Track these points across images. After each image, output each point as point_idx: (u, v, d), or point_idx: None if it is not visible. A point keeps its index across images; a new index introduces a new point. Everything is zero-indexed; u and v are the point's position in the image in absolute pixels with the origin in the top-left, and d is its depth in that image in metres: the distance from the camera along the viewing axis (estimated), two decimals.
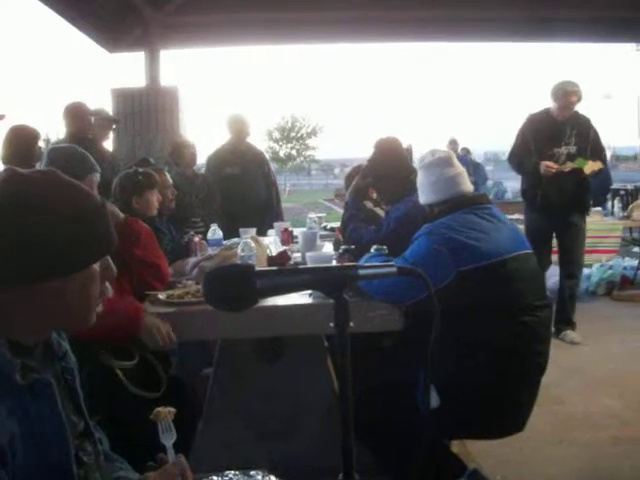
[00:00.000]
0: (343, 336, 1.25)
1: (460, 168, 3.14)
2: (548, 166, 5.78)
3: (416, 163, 5.08)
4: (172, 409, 1.84)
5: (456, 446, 3.47)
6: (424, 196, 3.15)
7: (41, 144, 5.67)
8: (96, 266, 1.47)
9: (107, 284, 1.53)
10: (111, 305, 2.74)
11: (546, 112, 6.09)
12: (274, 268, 1.36)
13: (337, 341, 1.26)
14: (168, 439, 1.77)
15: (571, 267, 6.24)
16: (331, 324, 1.27)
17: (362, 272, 1.30)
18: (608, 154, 10.75)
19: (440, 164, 3.10)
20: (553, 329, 5.73)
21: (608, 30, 8.70)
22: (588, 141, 5.96)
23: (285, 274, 1.31)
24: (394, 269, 1.36)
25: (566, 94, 5.92)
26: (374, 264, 1.81)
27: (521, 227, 5.23)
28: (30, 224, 1.35)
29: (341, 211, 4.67)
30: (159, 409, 1.83)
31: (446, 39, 9.62)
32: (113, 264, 1.54)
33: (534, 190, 6.07)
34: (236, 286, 1.24)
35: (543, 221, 6.08)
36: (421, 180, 3.17)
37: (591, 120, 6.08)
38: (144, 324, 2.82)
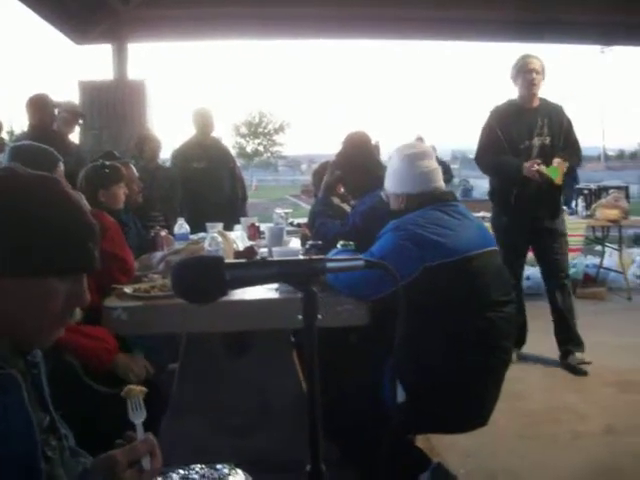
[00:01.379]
0: (311, 329, 1.26)
1: (436, 164, 3.16)
2: (532, 169, 5.13)
3: (384, 159, 5.10)
4: (143, 388, 1.83)
5: (420, 440, 3.50)
6: (397, 185, 3.10)
7: (4, 135, 5.62)
8: (57, 284, 1.42)
9: (77, 311, 1.48)
10: (82, 343, 2.80)
11: (511, 102, 5.47)
12: (243, 260, 1.36)
13: (305, 334, 1.27)
14: (138, 417, 1.75)
15: (560, 276, 5.59)
16: (299, 316, 1.28)
17: (330, 265, 1.31)
18: None
19: (421, 157, 3.10)
20: (559, 352, 5.51)
21: (573, 32, 8.78)
22: (561, 131, 5.35)
23: (254, 266, 1.32)
24: (361, 262, 1.37)
25: (527, 69, 5.27)
26: (342, 257, 1.82)
27: (487, 225, 4.88)
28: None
29: (307, 207, 4.67)
30: (131, 386, 1.81)
31: (412, 37, 9.64)
32: (88, 293, 1.50)
33: (508, 190, 5.37)
34: (205, 277, 1.24)
35: (517, 226, 5.41)
36: (398, 169, 3.12)
37: (563, 108, 5.46)
38: (116, 365, 2.91)
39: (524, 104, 5.37)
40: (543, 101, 5.41)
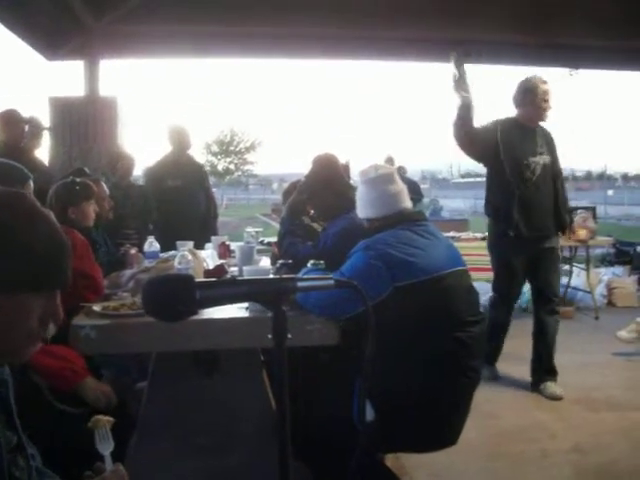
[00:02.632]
0: (281, 348, 1.26)
1: (401, 185, 3.19)
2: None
3: (354, 179, 5.10)
4: (110, 418, 1.82)
5: (390, 459, 3.51)
6: (363, 210, 3.18)
7: None
8: (32, 300, 1.40)
9: (51, 326, 1.46)
10: (47, 363, 2.77)
11: (514, 120, 5.45)
12: (214, 279, 1.36)
13: (275, 353, 1.27)
14: (106, 448, 1.74)
15: (554, 301, 5.54)
16: (269, 336, 1.28)
17: (300, 284, 1.32)
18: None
19: (382, 181, 3.13)
20: (530, 379, 5.49)
21: (537, 55, 8.89)
22: (555, 153, 5.48)
23: (225, 285, 1.32)
24: (331, 282, 1.37)
25: (543, 91, 5.33)
26: (312, 276, 1.82)
27: (457, 245, 4.77)
28: None
29: (278, 226, 4.67)
30: (98, 417, 1.81)
31: (381, 58, 9.69)
32: (62, 310, 1.49)
33: (511, 200, 5.24)
34: (175, 296, 1.24)
35: (523, 244, 5.31)
36: (361, 195, 3.20)
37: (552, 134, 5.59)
38: (83, 389, 2.88)
39: (527, 123, 5.41)
40: (539, 124, 5.48)
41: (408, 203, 3.17)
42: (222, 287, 1.31)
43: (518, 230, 5.24)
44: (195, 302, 1.24)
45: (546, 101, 5.34)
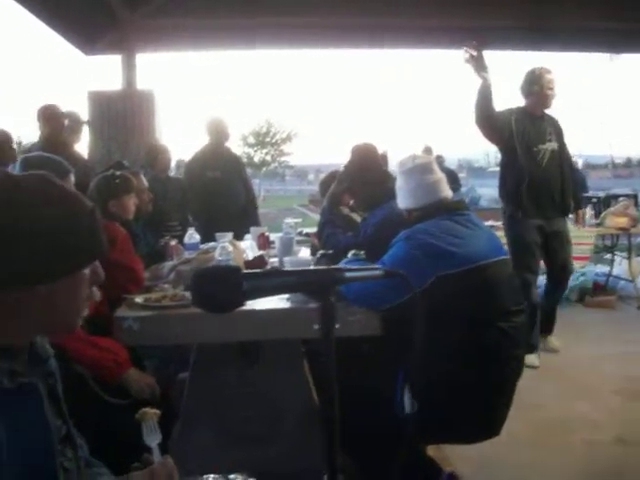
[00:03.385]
0: (329, 339, 1.25)
1: (440, 174, 3.16)
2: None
3: (392, 169, 5.12)
4: (157, 410, 1.83)
5: (432, 450, 3.48)
6: (403, 201, 3.17)
7: (14, 146, 5.62)
8: (86, 271, 1.46)
9: (94, 288, 1.53)
10: (91, 354, 2.80)
11: (523, 109, 5.75)
12: (260, 270, 1.36)
13: (323, 344, 1.26)
14: (153, 440, 1.75)
15: (563, 277, 5.97)
16: (316, 326, 1.27)
17: (349, 275, 1.31)
18: (580, 162, 10.89)
19: (420, 170, 3.11)
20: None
21: (583, 40, 8.77)
22: (562, 139, 5.82)
23: (272, 276, 1.31)
24: (380, 272, 1.36)
25: (547, 80, 5.66)
26: (360, 267, 1.81)
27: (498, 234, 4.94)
28: (19, 229, 1.34)
29: (316, 217, 4.68)
30: (145, 409, 1.82)
31: (418, 46, 9.64)
32: (101, 269, 1.53)
33: (521, 184, 5.58)
34: (223, 287, 1.24)
35: (535, 224, 5.66)
36: (400, 185, 3.18)
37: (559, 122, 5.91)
38: (127, 380, 2.89)
39: (535, 112, 5.71)
40: (546, 113, 5.80)
41: (448, 192, 3.14)
42: (270, 278, 1.30)
43: (526, 212, 5.62)
44: (242, 293, 1.24)
45: (551, 89, 5.67)
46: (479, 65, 5.32)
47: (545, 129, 5.68)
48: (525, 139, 5.58)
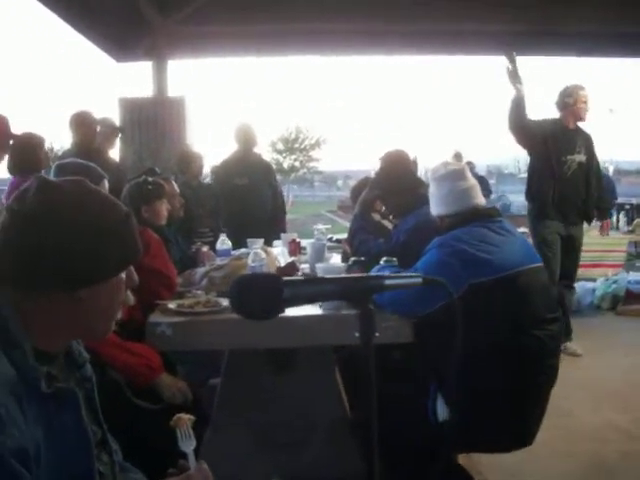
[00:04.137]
0: (368, 346, 1.25)
1: (472, 181, 3.14)
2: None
3: (421, 175, 5.14)
4: (191, 416, 1.84)
5: (463, 458, 3.46)
6: (435, 208, 3.16)
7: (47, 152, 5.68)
8: (122, 275, 1.48)
9: (129, 292, 1.55)
10: (125, 359, 2.82)
11: (556, 121, 6.12)
12: (300, 277, 1.36)
13: (361, 351, 1.26)
14: (188, 446, 1.76)
15: (571, 278, 6.31)
16: (356, 334, 1.27)
17: (388, 282, 1.30)
18: (610, 168, 11.12)
19: (452, 177, 3.10)
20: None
21: (611, 45, 8.69)
22: (593, 153, 6.17)
23: (312, 284, 1.31)
24: (419, 279, 1.35)
25: (582, 99, 6.03)
26: (399, 274, 1.80)
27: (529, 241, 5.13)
28: (59, 234, 1.36)
29: (345, 223, 4.68)
30: (180, 415, 1.83)
31: (448, 52, 9.60)
32: (135, 273, 1.55)
33: (547, 189, 5.99)
34: (264, 294, 1.24)
35: (556, 226, 6.03)
36: (433, 192, 3.17)
37: (592, 137, 6.26)
38: (159, 385, 2.90)
39: (568, 124, 6.09)
40: (579, 127, 6.19)
41: (480, 199, 3.12)
42: (309, 285, 1.31)
43: (549, 215, 6.02)
44: (283, 300, 1.24)
45: (584, 103, 6.05)
46: (514, 76, 5.67)
47: (576, 141, 6.04)
48: (555, 149, 5.94)
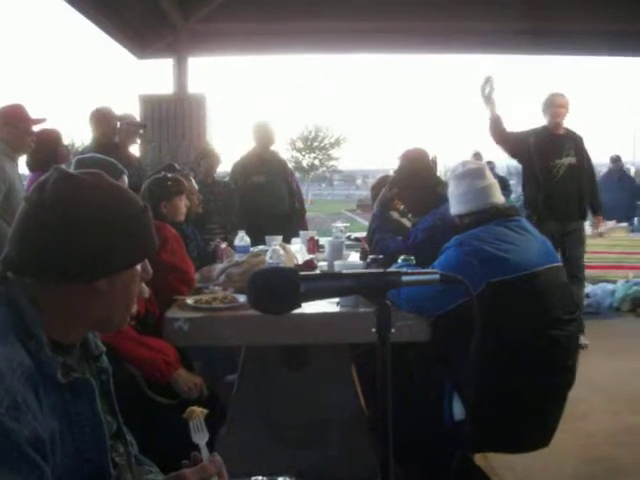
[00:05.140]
0: (384, 342, 1.25)
1: (491, 180, 3.12)
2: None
3: (441, 174, 5.13)
4: (204, 409, 1.84)
5: (478, 459, 3.44)
6: (454, 206, 3.14)
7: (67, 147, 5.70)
8: (138, 267, 1.49)
9: (143, 285, 1.55)
10: (142, 354, 2.82)
11: (545, 128, 6.49)
12: (317, 272, 1.36)
13: (377, 347, 1.25)
14: (201, 438, 1.76)
15: (576, 271, 6.41)
16: (373, 330, 1.26)
17: (405, 278, 1.30)
18: (632, 170, 11.26)
19: (470, 175, 3.09)
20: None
21: (606, 43, 8.64)
22: (583, 154, 6.50)
23: (329, 279, 1.31)
24: (437, 276, 1.35)
25: (554, 105, 6.41)
26: (416, 271, 1.79)
27: None
28: (78, 225, 1.37)
29: (364, 221, 4.68)
30: (193, 408, 1.83)
31: (468, 51, 9.57)
32: (149, 266, 1.56)
33: (536, 194, 6.41)
34: (280, 289, 1.24)
35: (549, 226, 6.15)
36: (452, 191, 3.16)
37: (583, 139, 6.61)
38: (176, 380, 2.90)
39: (553, 130, 6.45)
40: (569, 130, 6.54)
41: (500, 198, 3.10)
42: (326, 280, 1.31)
43: (540, 216, 6.25)
44: (300, 295, 1.24)
45: (559, 106, 6.41)
46: (487, 99, 6.08)
47: (564, 145, 6.40)
48: (542, 155, 6.34)
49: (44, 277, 1.38)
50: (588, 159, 6.63)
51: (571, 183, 6.38)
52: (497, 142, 6.34)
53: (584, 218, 6.68)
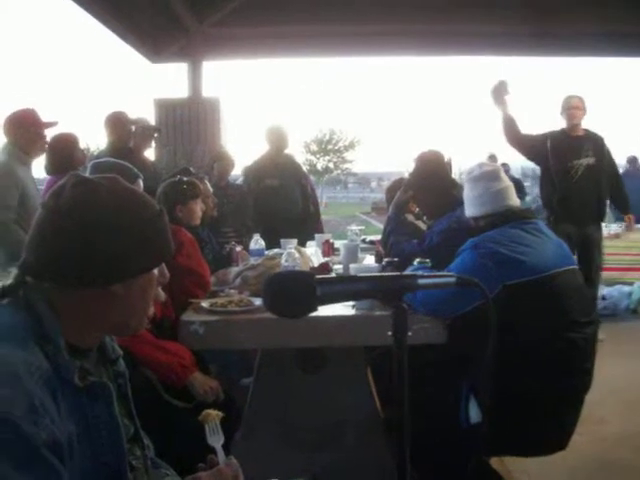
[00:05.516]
0: (401, 345, 1.24)
1: (507, 182, 3.11)
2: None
3: (456, 176, 5.12)
4: (219, 412, 1.84)
5: (495, 463, 3.42)
6: (470, 209, 3.14)
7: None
8: (155, 271, 1.49)
9: (159, 289, 1.56)
10: (158, 357, 2.83)
11: (562, 130, 6.53)
12: (334, 276, 1.36)
13: (395, 350, 1.26)
14: (216, 441, 1.77)
15: (591, 274, 6.38)
16: (389, 333, 1.26)
17: (422, 281, 1.29)
18: None
19: (486, 177, 3.08)
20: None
21: (609, 45, 8.62)
22: (604, 154, 6.48)
23: (345, 282, 1.31)
24: (453, 279, 1.34)
25: (570, 107, 6.44)
26: (433, 274, 1.79)
27: None
28: (94, 230, 1.38)
29: (379, 224, 4.68)
30: (208, 411, 1.83)
31: (477, 53, 9.55)
32: (166, 270, 1.56)
33: (552, 195, 6.48)
34: (297, 292, 1.24)
35: (565, 228, 6.24)
36: (467, 193, 3.16)
37: (604, 139, 6.59)
38: (192, 384, 2.91)
39: (571, 131, 6.48)
40: (588, 131, 6.55)
41: (515, 200, 3.09)
42: (342, 284, 1.30)
43: (557, 217, 6.38)
44: (316, 299, 1.24)
45: (574, 108, 6.43)
46: (499, 101, 6.09)
47: (582, 146, 6.40)
48: (560, 156, 6.35)
49: (62, 282, 1.39)
50: (610, 160, 6.64)
51: (589, 184, 6.38)
52: (511, 143, 6.35)
53: (602, 220, 6.68)
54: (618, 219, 8.34)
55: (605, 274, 6.48)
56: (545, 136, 6.48)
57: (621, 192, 6.85)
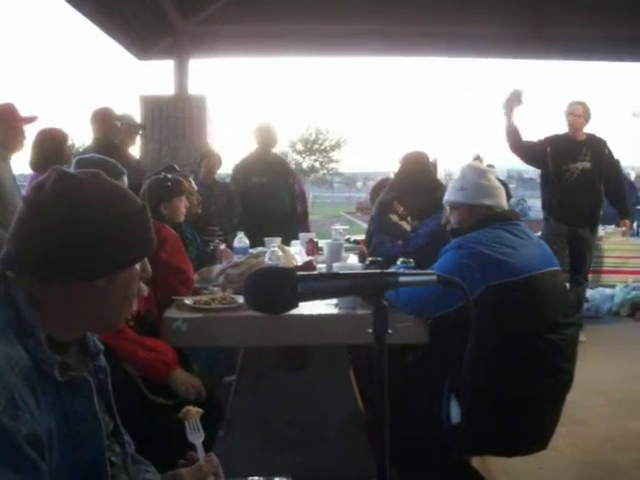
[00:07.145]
0: (381, 342, 1.25)
1: (497, 184, 3.13)
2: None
3: (441, 178, 5.15)
4: (200, 409, 1.84)
5: (476, 462, 3.44)
6: (470, 198, 3.09)
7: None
8: (137, 266, 1.49)
9: (142, 284, 1.55)
10: (140, 354, 2.82)
11: (564, 134, 6.71)
12: (315, 273, 1.36)
13: (375, 348, 1.26)
14: (197, 438, 1.77)
15: (580, 275, 6.76)
16: (369, 330, 1.26)
17: (402, 279, 1.30)
18: (632, 174, 11.44)
19: (489, 173, 3.10)
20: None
21: (601, 48, 8.66)
22: (602, 158, 6.62)
23: (326, 279, 1.31)
24: (434, 277, 1.35)
25: (570, 113, 6.61)
26: (414, 272, 1.79)
27: None
28: (75, 224, 1.38)
29: (363, 224, 4.68)
30: (188, 407, 1.83)
31: (472, 55, 9.57)
32: (149, 265, 1.56)
33: (550, 196, 6.70)
34: (278, 288, 1.24)
35: (560, 228, 6.58)
36: (470, 180, 3.10)
37: (607, 142, 6.74)
38: (173, 380, 2.89)
39: (572, 136, 6.66)
40: (590, 135, 6.71)
41: (504, 201, 3.11)
42: (324, 280, 1.31)
43: (554, 218, 6.65)
44: (297, 295, 1.24)
45: (574, 121, 6.59)
46: (508, 109, 6.30)
47: (580, 150, 6.56)
48: (557, 159, 6.54)
49: (43, 276, 1.39)
50: (610, 163, 6.76)
51: (583, 188, 6.55)
52: (513, 150, 6.57)
53: (595, 225, 6.84)
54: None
55: (588, 276, 6.57)
56: (545, 142, 6.65)
57: (620, 196, 6.94)
